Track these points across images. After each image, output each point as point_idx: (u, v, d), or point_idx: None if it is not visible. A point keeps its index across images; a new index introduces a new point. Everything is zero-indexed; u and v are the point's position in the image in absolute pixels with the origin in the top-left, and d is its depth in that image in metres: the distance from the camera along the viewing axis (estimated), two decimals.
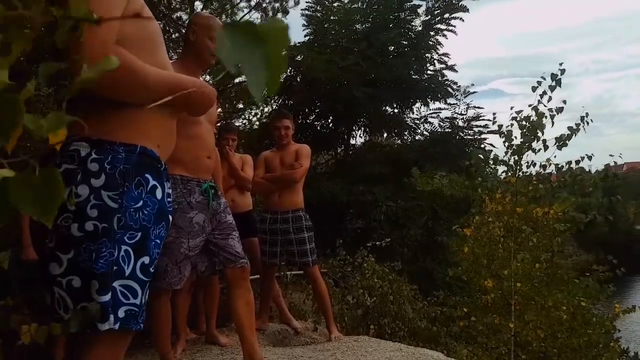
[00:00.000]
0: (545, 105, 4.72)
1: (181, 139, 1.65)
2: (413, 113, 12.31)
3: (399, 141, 12.97)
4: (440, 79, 11.64)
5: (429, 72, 11.66)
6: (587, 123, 4.74)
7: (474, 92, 12.28)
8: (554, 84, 4.64)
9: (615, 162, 5.19)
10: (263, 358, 2.44)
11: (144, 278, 1.26)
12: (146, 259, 1.26)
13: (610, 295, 5.85)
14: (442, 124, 12.01)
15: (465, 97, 11.94)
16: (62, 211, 1.16)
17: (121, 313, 1.20)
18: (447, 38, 11.47)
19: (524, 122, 4.79)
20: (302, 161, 3.52)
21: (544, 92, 4.70)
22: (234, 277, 2.42)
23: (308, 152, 3.61)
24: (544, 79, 4.70)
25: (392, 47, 11.24)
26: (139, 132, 1.26)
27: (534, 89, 4.72)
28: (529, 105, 4.79)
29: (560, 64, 4.68)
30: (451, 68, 11.68)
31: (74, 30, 0.97)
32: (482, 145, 11.63)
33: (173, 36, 7.18)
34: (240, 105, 11.27)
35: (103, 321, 1.17)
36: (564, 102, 4.75)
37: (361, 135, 12.64)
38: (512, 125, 4.91)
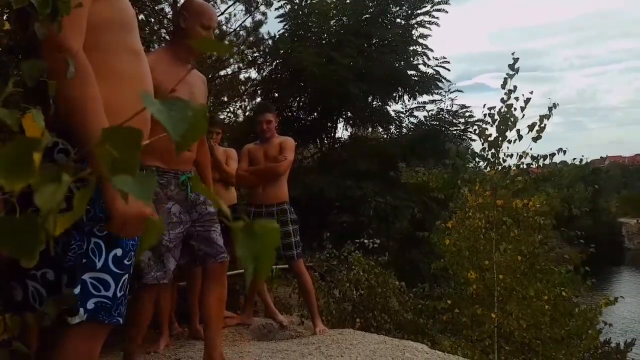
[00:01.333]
0: (508, 94, 4.86)
1: (157, 129, 1.60)
2: (397, 103, 12.29)
3: (385, 134, 12.95)
4: (427, 69, 11.62)
5: (418, 65, 11.64)
6: (553, 108, 4.95)
7: (460, 91, 12.36)
8: (513, 72, 4.85)
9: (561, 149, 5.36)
10: (223, 356, 2.43)
11: (118, 271, 1.22)
12: (119, 251, 1.22)
13: (590, 286, 5.93)
14: (428, 119, 12.00)
15: (450, 93, 11.97)
16: (32, 203, 1.12)
17: (90, 305, 1.17)
18: (431, 30, 11.48)
19: (496, 117, 4.92)
20: (286, 154, 3.49)
21: (505, 83, 4.92)
22: (212, 271, 2.39)
23: (292, 145, 3.58)
24: (512, 74, 4.90)
25: (377, 40, 11.21)
26: (108, 120, 1.20)
27: (503, 86, 4.92)
28: (501, 99, 4.94)
29: (513, 53, 4.97)
30: (442, 67, 11.66)
31: (52, 18, 0.94)
32: (464, 141, 11.72)
33: (155, 28, 7.08)
34: (225, 98, 11.19)
35: (72, 315, 1.14)
36: (531, 92, 4.98)
37: (346, 128, 12.62)
38: (485, 120, 5.05)
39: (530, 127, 4.82)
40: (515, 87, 4.88)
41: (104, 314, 1.20)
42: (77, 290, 1.15)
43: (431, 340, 5.11)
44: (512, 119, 4.82)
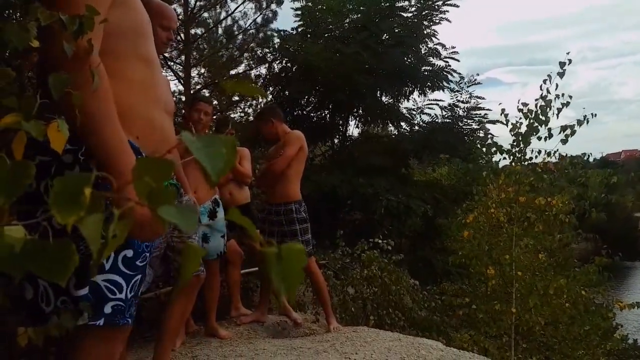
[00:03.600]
0: (549, 92, 4.85)
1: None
2: (408, 101, 12.22)
3: (395, 131, 12.88)
4: (438, 65, 11.53)
5: (428, 60, 11.55)
6: (592, 115, 4.97)
7: (478, 83, 12.13)
8: (562, 70, 4.84)
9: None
10: None
11: (129, 272, 1.22)
12: (129, 252, 1.21)
13: (608, 287, 5.91)
14: (443, 112, 11.91)
15: (468, 87, 11.86)
16: (41, 204, 1.11)
17: (108, 309, 1.18)
18: (441, 24, 11.40)
19: (528, 113, 4.92)
20: (284, 150, 3.49)
21: (547, 80, 4.91)
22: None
23: (291, 139, 3.54)
24: (550, 76, 4.95)
25: (387, 36, 11.15)
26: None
27: (548, 78, 4.91)
28: (535, 100, 4.96)
29: (567, 53, 4.94)
30: (452, 58, 11.57)
31: (78, 34, 0.96)
32: (483, 134, 11.64)
33: None
34: (236, 98, 11.22)
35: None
36: (570, 97, 4.93)
37: (357, 125, 12.57)
38: (519, 115, 5.06)
39: (563, 129, 4.85)
40: (557, 85, 4.91)
41: (120, 317, 1.21)
42: (84, 292, 1.15)
43: (446, 337, 5.09)
44: (544, 118, 4.84)
